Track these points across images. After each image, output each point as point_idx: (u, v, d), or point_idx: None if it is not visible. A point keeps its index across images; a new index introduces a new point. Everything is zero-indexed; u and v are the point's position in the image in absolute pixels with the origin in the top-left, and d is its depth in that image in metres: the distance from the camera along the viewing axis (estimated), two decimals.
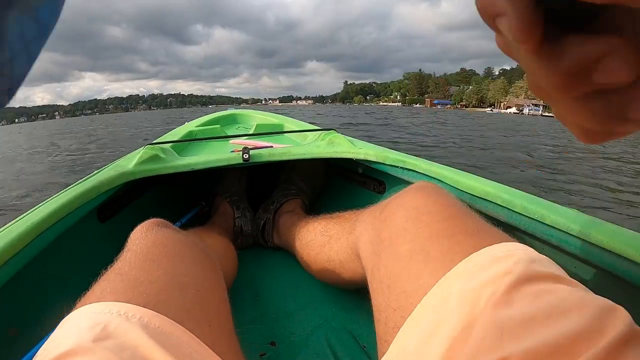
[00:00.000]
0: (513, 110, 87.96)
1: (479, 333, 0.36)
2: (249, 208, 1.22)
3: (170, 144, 1.22)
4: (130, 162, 1.01)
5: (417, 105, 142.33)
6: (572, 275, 0.43)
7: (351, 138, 1.22)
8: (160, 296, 0.45)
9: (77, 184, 0.89)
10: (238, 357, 0.51)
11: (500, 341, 0.34)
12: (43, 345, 0.40)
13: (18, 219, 0.72)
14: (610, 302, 0.36)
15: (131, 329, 0.38)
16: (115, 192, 0.94)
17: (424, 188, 0.61)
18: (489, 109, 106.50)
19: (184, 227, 0.82)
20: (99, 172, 0.99)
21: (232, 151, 1.10)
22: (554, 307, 0.35)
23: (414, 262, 0.50)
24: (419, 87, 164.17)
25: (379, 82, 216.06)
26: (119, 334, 0.37)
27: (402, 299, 0.48)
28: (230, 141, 1.36)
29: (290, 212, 1.15)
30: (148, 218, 0.79)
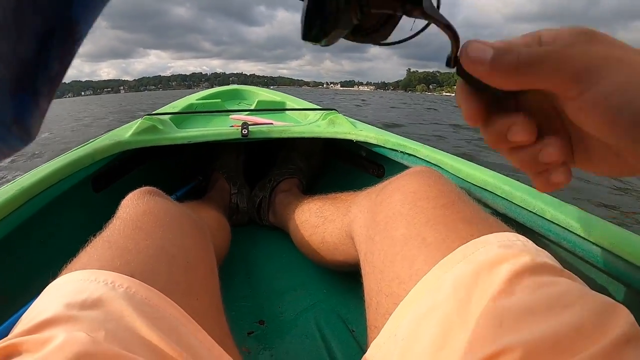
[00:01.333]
0: None
1: (476, 321, 0.36)
2: (245, 185, 1.21)
3: (169, 115, 1.20)
4: (126, 132, 1.00)
5: None
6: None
7: (352, 120, 1.20)
8: (148, 266, 0.44)
9: (72, 151, 0.88)
10: (225, 332, 0.50)
11: (499, 331, 0.33)
12: (26, 312, 0.39)
13: (8, 184, 0.71)
14: (611, 300, 0.35)
15: (116, 298, 0.37)
16: (110, 162, 0.93)
17: (422, 172, 0.59)
18: None
19: (179, 200, 0.81)
20: (94, 140, 0.98)
21: (232, 126, 1.08)
22: (555, 299, 0.34)
23: (408, 247, 0.48)
24: None
25: (443, 72, 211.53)
26: (104, 303, 0.36)
27: (394, 285, 0.47)
28: (231, 116, 1.34)
29: (287, 192, 1.13)
30: None
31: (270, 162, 1.31)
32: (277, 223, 1.13)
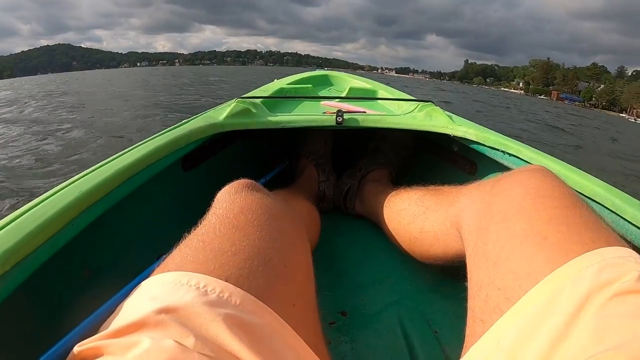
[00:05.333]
0: None
1: (580, 336, 0.35)
2: (333, 172, 1.21)
3: (261, 99, 1.21)
4: (220, 114, 1.01)
5: (542, 96, 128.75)
6: None
7: (449, 113, 1.14)
8: (244, 270, 0.42)
9: (166, 131, 0.91)
10: (319, 339, 0.48)
11: (599, 347, 0.33)
12: (116, 311, 0.39)
13: (104, 162, 0.72)
14: None
15: (208, 304, 0.36)
16: (201, 142, 0.95)
17: (542, 171, 0.57)
18: (624, 114, 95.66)
19: (267, 185, 0.81)
20: (189, 121, 1.00)
21: (324, 113, 1.08)
22: None
23: (528, 243, 0.46)
24: (545, 77, 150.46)
25: (501, 66, 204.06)
26: (195, 308, 0.35)
27: (509, 280, 0.45)
28: (322, 102, 1.33)
29: (376, 181, 1.12)
30: (230, 171, 0.79)
31: (354, 150, 1.30)
32: (363, 212, 1.12)
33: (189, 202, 0.99)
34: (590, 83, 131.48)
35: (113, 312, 0.39)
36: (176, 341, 0.31)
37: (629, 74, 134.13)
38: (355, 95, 1.59)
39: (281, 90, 1.61)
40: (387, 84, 1.95)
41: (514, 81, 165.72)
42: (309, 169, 1.20)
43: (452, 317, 0.79)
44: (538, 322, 0.38)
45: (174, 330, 0.33)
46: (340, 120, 1.00)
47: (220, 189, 0.58)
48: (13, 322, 0.50)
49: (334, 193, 1.17)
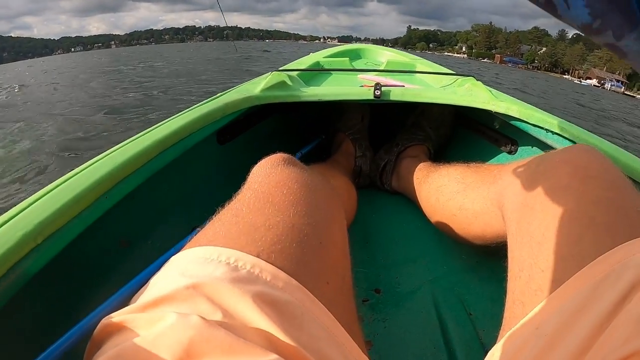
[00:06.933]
0: (594, 82, 79.11)
1: (622, 327, 0.33)
2: (369, 147, 1.19)
3: (298, 72, 1.19)
4: (256, 87, 0.99)
5: (485, 60, 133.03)
6: None
7: (491, 88, 1.12)
8: (277, 246, 0.40)
9: (202, 104, 0.89)
10: (353, 318, 0.47)
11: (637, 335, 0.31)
12: (147, 284, 0.38)
13: (139, 135, 0.72)
14: None
15: (238, 280, 0.35)
16: (237, 115, 0.93)
17: (591, 150, 0.55)
18: (566, 75, 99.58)
19: (303, 159, 0.81)
20: (224, 94, 0.99)
21: (362, 86, 1.05)
22: None
23: (575, 224, 0.45)
24: (487, 41, 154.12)
25: (444, 31, 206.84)
26: (223, 284, 0.34)
27: (553, 261, 0.44)
28: (359, 76, 1.31)
29: (415, 157, 1.10)
30: (266, 144, 0.78)
31: (391, 125, 1.28)
32: (400, 188, 1.12)
33: (224, 175, 1.01)
34: (532, 46, 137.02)
35: (144, 285, 0.39)
36: (202, 317, 0.30)
37: (570, 37, 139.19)
38: (393, 69, 1.56)
39: (317, 63, 1.57)
40: None
41: (457, 46, 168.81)
42: (346, 144, 1.18)
43: (487, 300, 0.79)
44: (581, 308, 0.37)
45: (201, 306, 0.32)
46: (378, 93, 0.98)
47: (256, 163, 0.57)
48: (47, 293, 0.51)
49: (370, 168, 1.17)
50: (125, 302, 0.41)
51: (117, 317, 0.33)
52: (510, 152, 1.10)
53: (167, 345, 0.29)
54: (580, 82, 78.72)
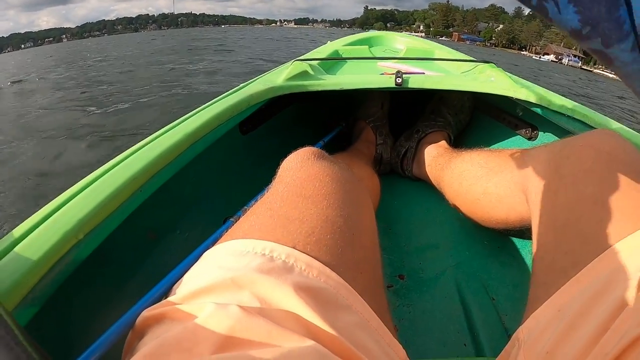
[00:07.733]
0: (551, 58, 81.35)
1: (638, 310, 0.33)
2: (390, 135, 1.20)
3: (318, 61, 1.18)
4: (278, 77, 1.00)
5: (443, 38, 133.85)
6: None
7: (511, 74, 1.13)
8: (312, 237, 0.41)
9: (225, 96, 0.90)
10: (385, 308, 0.48)
11: None
12: (184, 277, 0.39)
13: (166, 128, 0.74)
14: None
15: (274, 270, 0.36)
16: (260, 105, 0.94)
17: (614, 135, 0.55)
18: (524, 52, 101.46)
19: (324, 147, 0.81)
20: (247, 85, 0.99)
21: (382, 74, 1.06)
22: None
23: (599, 208, 0.45)
24: (445, 19, 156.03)
25: (401, 10, 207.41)
26: (260, 274, 0.35)
27: (577, 244, 0.45)
28: (379, 64, 1.30)
29: (435, 144, 1.11)
30: (286, 133, 0.79)
31: (411, 113, 1.28)
32: (421, 175, 1.13)
33: (247, 165, 1.02)
34: (489, 24, 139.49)
35: (180, 278, 0.40)
36: (240, 306, 0.31)
37: (526, 13, 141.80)
38: (412, 56, 1.55)
39: (336, 52, 1.56)
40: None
41: (414, 24, 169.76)
42: (366, 132, 1.18)
43: (509, 285, 0.81)
44: (602, 291, 0.37)
45: (239, 296, 0.33)
46: (399, 81, 0.98)
47: (278, 152, 0.58)
48: (87, 286, 0.52)
49: (391, 155, 1.17)
50: (161, 296, 0.44)
51: (157, 309, 0.34)
52: (530, 138, 1.10)
53: (207, 335, 0.29)
54: (540, 58, 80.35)
